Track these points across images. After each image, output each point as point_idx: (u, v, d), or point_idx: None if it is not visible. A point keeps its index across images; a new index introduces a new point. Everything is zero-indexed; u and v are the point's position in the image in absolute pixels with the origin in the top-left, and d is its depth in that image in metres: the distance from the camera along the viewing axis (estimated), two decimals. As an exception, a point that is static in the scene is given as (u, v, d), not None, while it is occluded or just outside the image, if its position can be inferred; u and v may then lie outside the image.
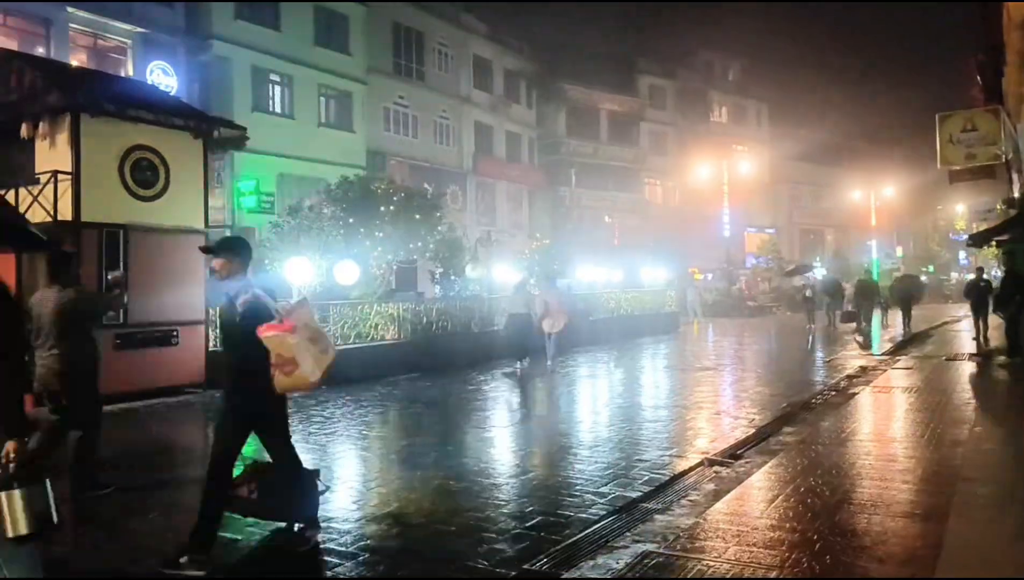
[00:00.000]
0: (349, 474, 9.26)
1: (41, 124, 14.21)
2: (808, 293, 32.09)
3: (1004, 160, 22.39)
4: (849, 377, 16.46)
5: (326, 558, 6.11)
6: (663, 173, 59.18)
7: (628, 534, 6.27)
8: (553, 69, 50.78)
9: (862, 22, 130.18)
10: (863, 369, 17.76)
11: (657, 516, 6.78)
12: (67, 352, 7.65)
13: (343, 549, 6.30)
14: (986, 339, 20.96)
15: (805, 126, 69.83)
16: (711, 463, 8.85)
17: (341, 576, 5.76)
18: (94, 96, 14.65)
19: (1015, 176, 23.69)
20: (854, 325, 29.01)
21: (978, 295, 21.19)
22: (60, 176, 13.98)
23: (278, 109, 31.93)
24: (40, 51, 23.91)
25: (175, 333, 15.44)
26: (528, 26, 51.14)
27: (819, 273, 54.60)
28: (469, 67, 43.67)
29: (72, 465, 7.82)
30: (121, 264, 14.34)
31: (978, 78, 23.54)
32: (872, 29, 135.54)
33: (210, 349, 16.52)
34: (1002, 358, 18.14)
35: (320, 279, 19.62)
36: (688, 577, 5.29)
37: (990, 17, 19.29)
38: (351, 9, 35.08)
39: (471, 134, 43.60)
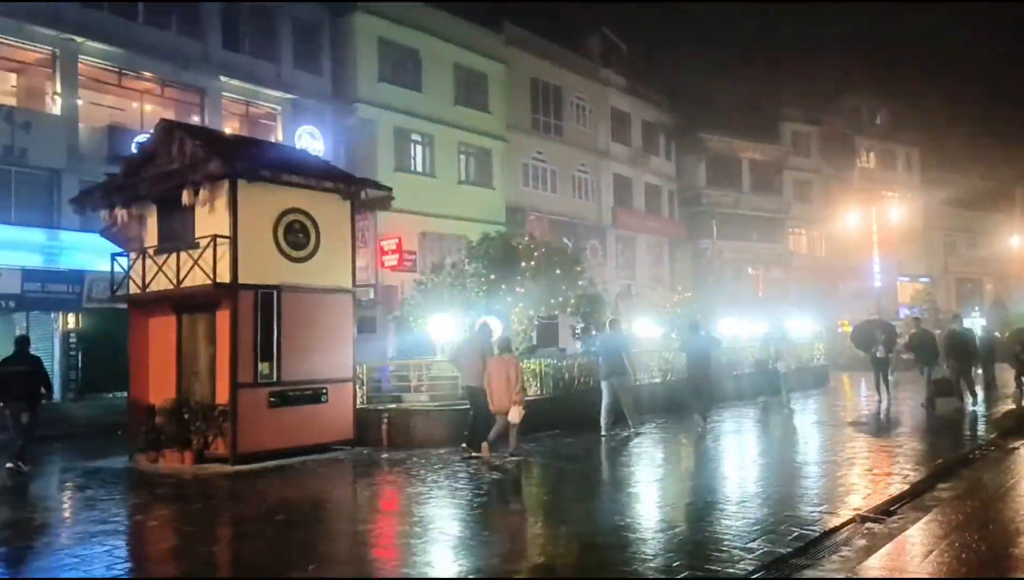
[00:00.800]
0: (495, 527, 9.55)
1: (201, 191, 14.99)
2: (878, 352, 23.57)
3: None
4: (1009, 431, 15.83)
5: None
6: (808, 222, 58.22)
7: None
8: (692, 119, 50.74)
9: (1018, 59, 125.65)
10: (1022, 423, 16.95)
11: (807, 572, 6.73)
12: None
13: None
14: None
15: (959, 171, 67.68)
16: (863, 519, 8.75)
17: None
18: (251, 163, 15.45)
19: None
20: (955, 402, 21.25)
21: None
22: (219, 240, 14.75)
23: (419, 168, 32.94)
24: (195, 119, 25.42)
25: (324, 391, 16.02)
26: (667, 77, 51.25)
27: (977, 324, 52.39)
28: (607, 120, 44.07)
29: None
30: (275, 323, 15.04)
31: None
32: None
33: (358, 406, 17.10)
34: None
35: (463, 336, 20.01)
36: None
37: None
38: (490, 67, 36.08)
39: (610, 187, 43.88)
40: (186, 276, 15.11)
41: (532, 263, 21.71)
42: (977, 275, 70.31)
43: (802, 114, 58.87)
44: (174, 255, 15.41)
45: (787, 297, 51.30)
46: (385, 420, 16.98)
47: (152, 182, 15.77)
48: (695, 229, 50.41)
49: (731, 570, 7.05)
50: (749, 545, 7.88)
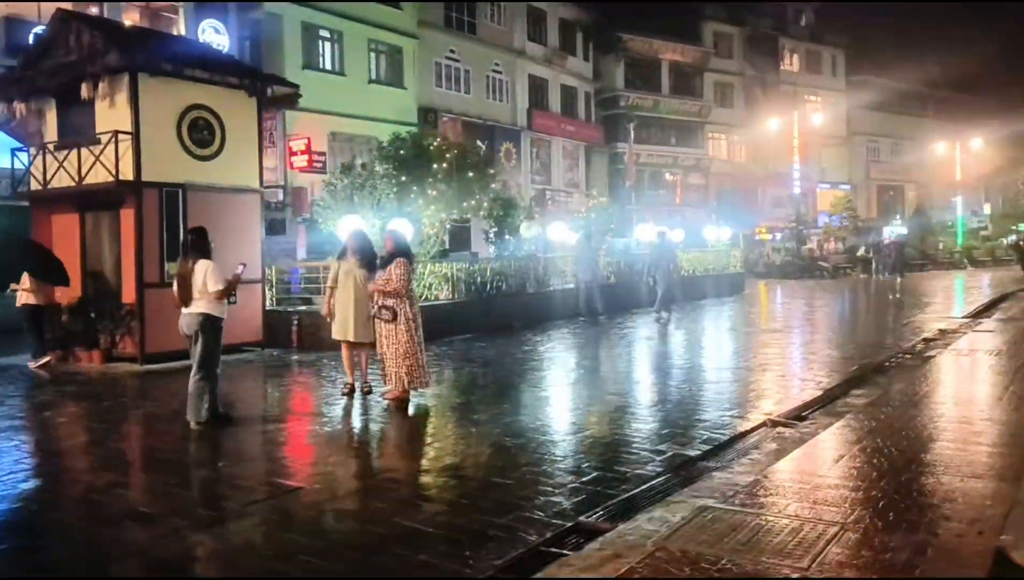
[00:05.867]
0: (404, 429, 9.95)
1: (101, 84, 15.14)
2: None
3: None
4: (926, 340, 16.23)
5: (385, 506, 6.62)
6: (728, 127, 59.18)
7: (685, 490, 6.46)
8: (611, 18, 50.80)
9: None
10: (941, 332, 17.45)
11: (716, 474, 6.90)
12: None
13: (403, 498, 6.87)
14: None
15: (885, 74, 68.78)
16: (774, 424, 8.99)
17: (402, 523, 6.15)
18: (152, 56, 15.62)
19: None
20: None
21: None
22: (120, 136, 14.99)
23: (328, 66, 32.80)
24: (94, 10, 25.00)
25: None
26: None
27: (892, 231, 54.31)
28: (523, 18, 44.03)
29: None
30: (181, 222, 15.41)
31: None
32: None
33: (267, 308, 17.62)
34: None
35: (373, 237, 20.54)
36: (746, 530, 5.37)
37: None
38: (401, -39, 35.80)
39: (525, 88, 44.05)
40: (88, 173, 15.34)
41: (444, 165, 22.16)
42: (899, 182, 72.12)
43: (725, 14, 59.18)
44: (75, 151, 15.59)
45: (705, 203, 52.61)
46: (295, 322, 17.51)
47: (50, 74, 15.86)
48: (612, 133, 50.96)
49: (639, 471, 7.36)
50: (658, 447, 8.22)
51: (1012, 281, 34.71)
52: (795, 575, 4.66)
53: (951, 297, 29.42)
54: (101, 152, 15.19)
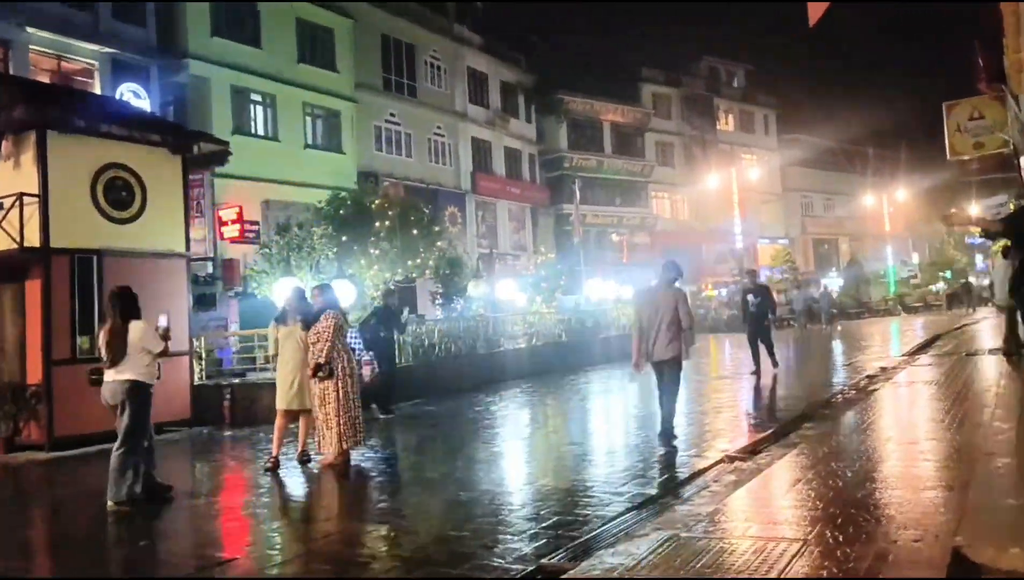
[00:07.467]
0: (346, 492, 9.50)
1: (4, 142, 13.85)
2: None
3: (1012, 146, 21.97)
4: (869, 377, 16.38)
5: (329, 567, 6.31)
6: (670, 185, 58.96)
7: (648, 524, 6.33)
8: (552, 80, 50.23)
9: (870, 20, 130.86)
10: (883, 369, 17.57)
11: (677, 507, 6.87)
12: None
13: (348, 559, 6.48)
14: None
15: (813, 132, 70.72)
16: (731, 459, 9.06)
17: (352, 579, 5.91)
18: (63, 111, 14.27)
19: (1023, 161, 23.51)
20: None
21: None
22: (26, 199, 13.49)
23: (261, 131, 31.18)
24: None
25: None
26: (525, 36, 50.58)
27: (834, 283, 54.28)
28: (464, 81, 43.12)
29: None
30: (95, 291, 13.75)
31: (979, 60, 22.66)
32: (880, 27, 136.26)
33: (196, 382, 16.00)
34: None
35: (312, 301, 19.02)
36: (711, 554, 5.31)
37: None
38: (336, 22, 34.49)
39: (468, 151, 43.01)
40: (-11, 239, 13.71)
41: (386, 223, 20.79)
42: (833, 235, 73.08)
43: (662, 76, 59.40)
44: (-27, 216, 13.96)
45: (651, 260, 51.80)
46: (227, 396, 16.03)
47: (-51, 132, 14.28)
48: (558, 193, 49.88)
49: (601, 512, 7.14)
50: (620, 489, 8.01)
51: (942, 324, 35.00)
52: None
53: (888, 339, 29.53)
54: (3, 217, 13.58)
